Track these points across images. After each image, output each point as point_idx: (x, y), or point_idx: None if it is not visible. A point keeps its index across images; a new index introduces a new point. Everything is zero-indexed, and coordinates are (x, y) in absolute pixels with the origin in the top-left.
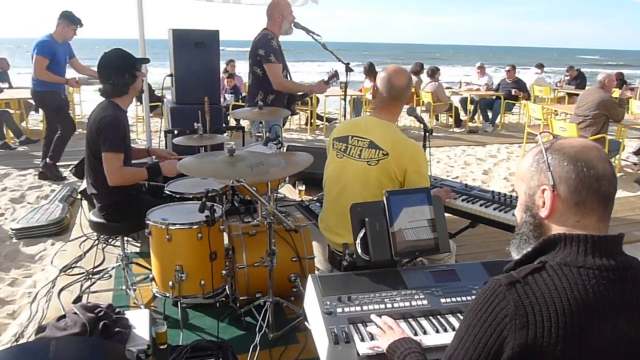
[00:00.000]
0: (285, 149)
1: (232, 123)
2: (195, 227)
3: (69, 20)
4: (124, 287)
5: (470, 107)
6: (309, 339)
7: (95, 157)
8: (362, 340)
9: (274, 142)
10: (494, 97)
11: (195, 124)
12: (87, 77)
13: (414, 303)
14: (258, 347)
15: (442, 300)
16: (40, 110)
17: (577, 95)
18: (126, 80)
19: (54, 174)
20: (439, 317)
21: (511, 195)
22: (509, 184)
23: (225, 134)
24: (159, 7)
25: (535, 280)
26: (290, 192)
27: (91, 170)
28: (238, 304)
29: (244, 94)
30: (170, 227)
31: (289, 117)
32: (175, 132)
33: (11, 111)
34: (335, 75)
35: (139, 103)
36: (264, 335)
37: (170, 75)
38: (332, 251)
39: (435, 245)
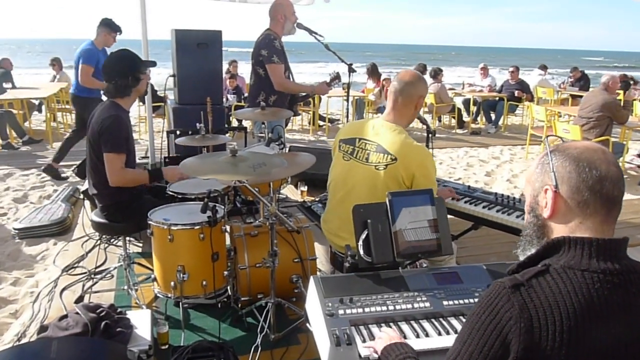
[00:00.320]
0: (287, 149)
1: (235, 124)
2: (197, 227)
3: (110, 27)
4: (125, 287)
5: (473, 108)
6: (310, 340)
7: (97, 158)
8: (364, 342)
9: (277, 143)
10: (497, 98)
11: (197, 124)
12: None
13: (416, 305)
14: (259, 348)
15: (445, 302)
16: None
17: (581, 97)
18: (129, 83)
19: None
20: (441, 319)
21: (514, 198)
22: (511, 185)
23: (227, 135)
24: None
25: (539, 283)
26: (293, 192)
27: (93, 170)
28: (240, 305)
29: (246, 95)
30: (172, 228)
31: (292, 117)
32: (178, 132)
33: (14, 111)
34: (337, 77)
35: (141, 103)
36: (265, 336)
37: (173, 75)
38: (334, 252)
39: (437, 246)
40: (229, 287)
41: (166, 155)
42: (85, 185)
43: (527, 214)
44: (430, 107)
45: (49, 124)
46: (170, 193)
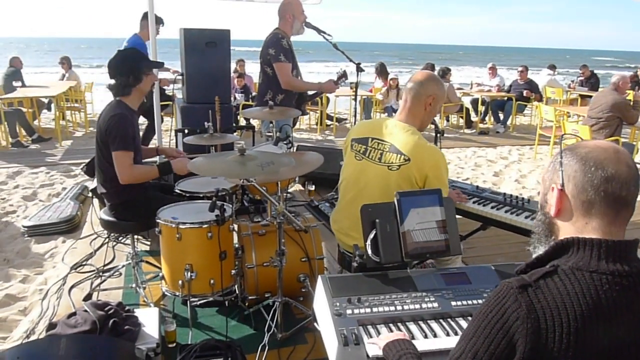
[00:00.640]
0: (295, 148)
1: (242, 123)
2: (205, 226)
3: (155, 20)
4: (133, 285)
5: (481, 108)
6: (317, 339)
7: (105, 157)
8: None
9: (284, 142)
10: (506, 98)
11: (205, 123)
12: (175, 75)
13: (424, 305)
14: (267, 347)
15: (453, 303)
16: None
17: (590, 97)
18: (129, 82)
19: None
20: (449, 320)
21: (523, 198)
22: (520, 186)
23: (235, 134)
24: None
25: (547, 284)
26: (300, 192)
27: (101, 169)
28: (247, 304)
29: (254, 94)
30: (181, 226)
31: (299, 117)
32: (186, 131)
33: (24, 109)
34: (344, 75)
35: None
36: (272, 335)
37: (181, 74)
38: (342, 252)
39: (445, 246)
40: (236, 286)
41: None
42: (94, 184)
43: (538, 212)
44: (440, 106)
45: (58, 123)
46: (179, 192)
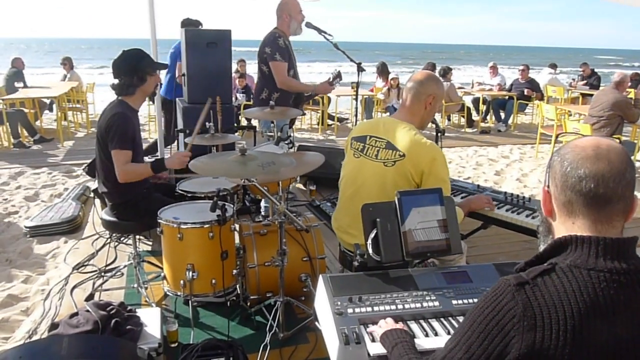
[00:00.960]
0: (296, 148)
1: (244, 123)
2: (207, 226)
3: (192, 25)
4: (135, 285)
5: (483, 107)
6: (319, 338)
7: (106, 156)
8: (373, 340)
9: (285, 142)
10: (507, 97)
11: (207, 123)
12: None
13: (425, 304)
14: (268, 347)
15: (454, 301)
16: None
17: (591, 95)
18: (133, 82)
19: None
20: (450, 318)
21: (524, 197)
22: (521, 184)
23: (236, 134)
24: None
25: (544, 282)
26: (301, 192)
27: (102, 169)
28: (249, 303)
29: None
30: (182, 226)
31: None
32: (187, 131)
33: (26, 110)
34: (338, 75)
35: (151, 102)
36: (274, 334)
37: (183, 74)
38: (343, 251)
39: (447, 246)
40: (238, 286)
41: None
42: (95, 184)
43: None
44: (439, 106)
45: (60, 123)
46: (180, 192)
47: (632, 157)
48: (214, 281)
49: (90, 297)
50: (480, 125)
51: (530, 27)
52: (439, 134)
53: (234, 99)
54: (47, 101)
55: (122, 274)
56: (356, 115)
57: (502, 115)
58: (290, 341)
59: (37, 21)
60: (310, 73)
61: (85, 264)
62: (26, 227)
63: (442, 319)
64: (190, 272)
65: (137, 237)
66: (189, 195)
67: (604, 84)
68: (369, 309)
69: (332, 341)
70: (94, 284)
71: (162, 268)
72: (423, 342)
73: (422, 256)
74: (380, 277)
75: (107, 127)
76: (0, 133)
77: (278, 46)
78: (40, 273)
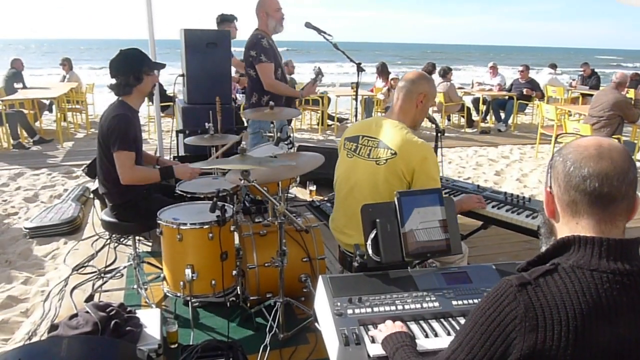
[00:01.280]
0: (296, 149)
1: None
2: (206, 227)
3: (229, 20)
4: (135, 286)
5: (483, 107)
6: (319, 339)
7: (107, 157)
8: (373, 341)
9: (285, 142)
10: (507, 97)
11: (206, 124)
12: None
13: (425, 305)
14: (268, 348)
15: (454, 302)
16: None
17: (592, 95)
18: (129, 81)
19: None
20: (450, 319)
21: (524, 197)
22: (521, 185)
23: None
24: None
25: (546, 282)
26: (301, 192)
27: (102, 169)
28: (248, 304)
29: None
30: (182, 227)
31: (299, 117)
32: (187, 132)
33: (25, 111)
34: (319, 73)
35: (150, 103)
36: (274, 335)
37: (182, 75)
38: (342, 252)
39: (447, 246)
40: (237, 287)
41: (175, 154)
42: (95, 185)
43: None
44: (440, 106)
45: (60, 124)
46: (180, 192)
47: (633, 157)
48: (213, 282)
49: (90, 298)
50: (480, 126)
51: (531, 27)
52: (439, 134)
53: (233, 99)
54: (47, 102)
55: (122, 275)
56: (356, 116)
57: (502, 115)
58: (290, 342)
59: (36, 22)
60: (310, 73)
61: (85, 265)
62: (26, 228)
63: (442, 320)
64: (190, 273)
65: (137, 238)
66: (189, 195)
67: (604, 85)
68: (369, 309)
69: (331, 342)
70: (93, 285)
71: (161, 269)
72: (423, 343)
73: (422, 257)
74: (380, 278)
75: (109, 129)
76: (0, 134)
77: (262, 47)
78: (40, 274)
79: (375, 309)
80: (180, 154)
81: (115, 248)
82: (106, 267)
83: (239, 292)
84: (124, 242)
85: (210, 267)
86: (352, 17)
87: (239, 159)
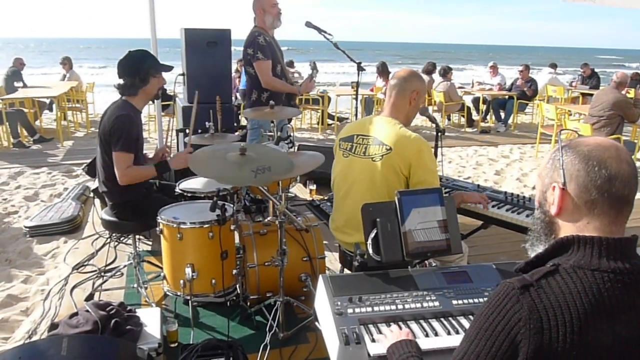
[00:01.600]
0: (296, 148)
1: (244, 122)
2: (207, 226)
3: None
4: (135, 285)
5: (483, 107)
6: (319, 338)
7: (108, 156)
8: (373, 341)
9: (285, 142)
10: (507, 97)
11: (206, 123)
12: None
13: (425, 304)
14: (268, 347)
15: (454, 302)
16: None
17: (592, 95)
18: (135, 83)
19: None
20: (450, 319)
21: (524, 197)
22: (521, 184)
23: (236, 133)
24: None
25: (549, 283)
26: (301, 191)
27: (103, 168)
28: (248, 303)
29: None
30: (182, 226)
31: (300, 116)
32: (187, 131)
33: (25, 110)
34: (314, 67)
35: (151, 102)
36: (274, 334)
37: (182, 74)
38: (342, 251)
39: (447, 246)
40: (238, 286)
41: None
42: (95, 184)
43: (536, 209)
44: (440, 105)
45: (60, 123)
46: (180, 191)
47: (633, 157)
48: (213, 281)
49: (90, 297)
50: (481, 125)
51: (531, 26)
52: (439, 134)
53: (233, 98)
54: (47, 101)
55: (122, 274)
56: (356, 115)
57: (502, 115)
58: (290, 341)
59: (36, 21)
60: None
61: (85, 264)
62: (26, 227)
63: (442, 319)
64: (190, 272)
65: (137, 237)
66: (189, 195)
67: (605, 85)
68: (369, 309)
69: (332, 341)
70: (93, 284)
71: (162, 268)
72: (423, 343)
73: (422, 256)
74: (380, 277)
75: (112, 129)
76: (0, 133)
77: (258, 45)
78: (40, 273)
79: (376, 308)
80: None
81: (115, 247)
82: (106, 266)
83: (239, 291)
84: (124, 241)
85: (211, 266)
86: (352, 17)
87: (237, 161)
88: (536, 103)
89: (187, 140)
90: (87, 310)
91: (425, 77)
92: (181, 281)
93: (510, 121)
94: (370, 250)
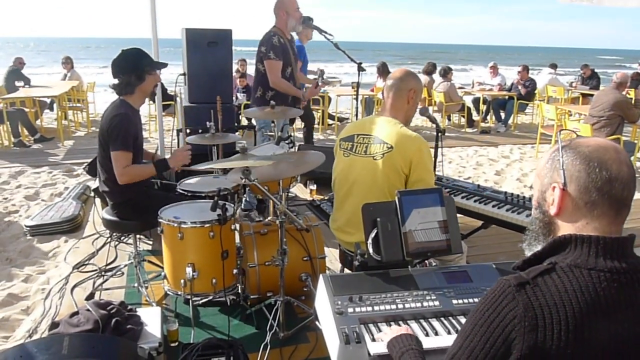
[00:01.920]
0: (296, 148)
1: (244, 122)
2: (207, 225)
3: (305, 23)
4: (136, 285)
5: (483, 107)
6: (319, 338)
7: (107, 155)
8: (373, 340)
9: (286, 142)
10: (507, 97)
11: (207, 122)
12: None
13: (425, 304)
14: (268, 346)
15: (454, 301)
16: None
17: (592, 95)
18: (131, 81)
19: None
20: (450, 318)
21: (524, 197)
22: (521, 184)
23: (237, 133)
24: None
25: (545, 281)
26: (302, 191)
27: (103, 168)
28: (249, 303)
29: None
30: (183, 226)
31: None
32: (188, 130)
33: (26, 109)
34: (321, 74)
35: (151, 102)
36: (274, 334)
37: (183, 74)
38: (343, 251)
39: (447, 246)
40: (238, 285)
41: None
42: (96, 183)
43: (534, 209)
44: (440, 105)
45: (60, 122)
46: (181, 191)
47: (633, 157)
48: (214, 280)
49: (90, 296)
50: (481, 125)
51: (531, 27)
52: (440, 134)
53: (234, 98)
54: (48, 100)
55: (123, 273)
56: (357, 115)
57: (503, 115)
58: (290, 340)
59: (36, 21)
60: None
61: (86, 263)
62: (26, 226)
63: (442, 319)
64: (191, 272)
65: (138, 236)
66: (190, 194)
67: (605, 85)
68: (370, 308)
69: (332, 340)
70: (94, 283)
71: (162, 267)
72: (423, 342)
73: (423, 256)
74: (380, 277)
75: (109, 128)
76: (1, 132)
77: (272, 44)
78: (41, 272)
79: (376, 308)
80: None
81: (115, 246)
82: (107, 265)
83: (239, 291)
84: (124, 240)
85: (211, 266)
86: (352, 17)
87: (240, 158)
88: (536, 103)
89: (188, 140)
90: (88, 310)
91: (426, 78)
92: (182, 280)
93: (510, 121)
94: (371, 250)
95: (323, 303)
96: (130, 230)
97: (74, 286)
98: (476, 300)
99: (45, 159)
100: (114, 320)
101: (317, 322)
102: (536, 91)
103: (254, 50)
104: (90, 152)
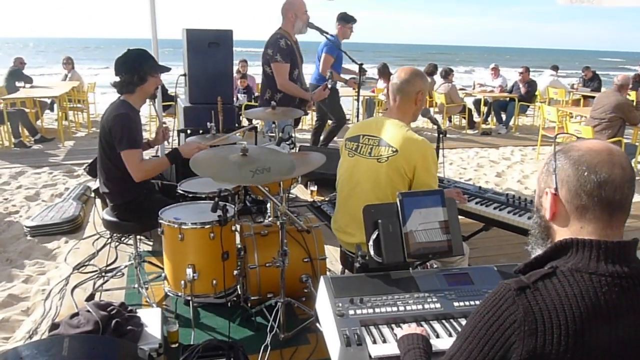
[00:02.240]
0: (297, 149)
1: (245, 123)
2: (208, 226)
3: (345, 20)
4: (136, 286)
5: (484, 108)
6: (319, 339)
7: (108, 156)
8: (374, 342)
9: (287, 142)
10: (508, 98)
11: (208, 123)
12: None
13: (426, 306)
14: (269, 348)
15: (455, 303)
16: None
17: (593, 97)
18: (133, 80)
19: None
20: (451, 320)
21: (525, 199)
22: (522, 186)
23: (237, 134)
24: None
25: (545, 286)
26: (303, 192)
27: (103, 169)
28: (249, 304)
29: (256, 94)
30: (183, 227)
31: (302, 117)
32: (188, 131)
33: (26, 110)
34: (330, 77)
35: (151, 103)
36: (275, 335)
37: (184, 75)
38: (344, 252)
39: (448, 247)
40: (238, 287)
41: None
42: (96, 184)
43: (534, 214)
44: (441, 107)
45: (61, 123)
46: (181, 192)
47: (634, 159)
48: (214, 282)
49: (90, 297)
50: (482, 127)
51: (531, 28)
52: (441, 136)
53: (235, 99)
54: (48, 101)
55: (123, 274)
56: (358, 116)
57: (504, 117)
58: (291, 342)
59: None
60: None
61: (86, 264)
62: (27, 226)
63: (443, 321)
64: (191, 273)
65: (138, 237)
66: (190, 195)
67: (606, 87)
68: (370, 310)
69: (333, 342)
70: (94, 284)
71: (162, 268)
72: None
73: (424, 257)
74: (381, 279)
75: (112, 129)
76: (1, 132)
77: (279, 47)
78: (41, 273)
79: (377, 310)
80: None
81: (116, 247)
82: (107, 266)
83: (239, 292)
84: (125, 241)
85: (212, 267)
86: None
87: (238, 162)
88: (537, 105)
89: (188, 141)
90: (88, 311)
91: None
92: (182, 282)
93: (511, 123)
94: (372, 252)
95: (324, 305)
96: (130, 231)
97: (74, 287)
98: (477, 302)
99: (45, 159)
100: (114, 322)
101: (317, 324)
102: (537, 93)
103: (255, 51)
104: (91, 152)
